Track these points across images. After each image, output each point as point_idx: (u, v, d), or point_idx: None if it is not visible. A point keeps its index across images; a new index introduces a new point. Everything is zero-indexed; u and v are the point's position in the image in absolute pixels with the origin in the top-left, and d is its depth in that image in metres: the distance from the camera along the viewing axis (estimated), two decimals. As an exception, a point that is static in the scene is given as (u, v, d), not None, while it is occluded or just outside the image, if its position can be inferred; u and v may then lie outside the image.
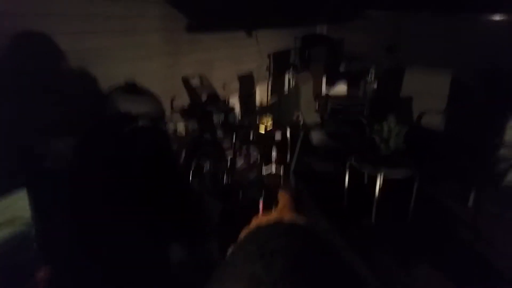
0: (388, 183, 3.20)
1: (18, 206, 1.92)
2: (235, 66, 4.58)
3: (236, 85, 4.61)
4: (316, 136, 3.87)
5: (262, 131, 2.73)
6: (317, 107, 4.37)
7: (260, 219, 0.49)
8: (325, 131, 3.81)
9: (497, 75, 4.96)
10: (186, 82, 3.44)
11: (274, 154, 2.67)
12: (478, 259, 2.87)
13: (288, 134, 3.60)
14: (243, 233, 0.47)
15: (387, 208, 3.31)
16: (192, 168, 3.06)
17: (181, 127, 3.29)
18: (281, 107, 5.83)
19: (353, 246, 2.94)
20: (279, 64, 5.68)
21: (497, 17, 5.34)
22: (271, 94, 5.74)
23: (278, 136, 2.71)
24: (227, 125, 3.55)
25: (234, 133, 3.58)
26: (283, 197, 0.55)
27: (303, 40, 6.14)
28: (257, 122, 2.76)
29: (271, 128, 2.72)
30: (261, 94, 5.51)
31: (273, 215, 0.49)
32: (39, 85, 2.18)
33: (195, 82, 3.50)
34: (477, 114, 4.40)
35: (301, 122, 3.99)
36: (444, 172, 4.02)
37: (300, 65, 6.00)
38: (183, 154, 3.12)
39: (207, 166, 3.29)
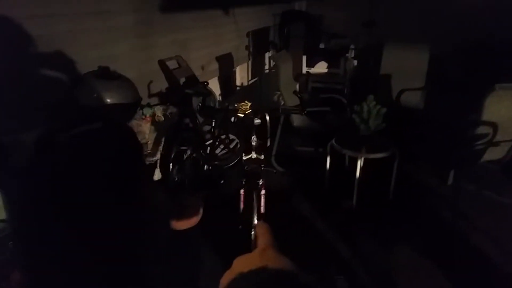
0: (368, 163, 3.22)
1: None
2: (213, 47, 4.46)
3: (215, 66, 4.51)
4: (297, 118, 3.84)
5: (242, 114, 2.68)
6: (297, 87, 4.32)
7: (243, 262, 0.44)
8: (305, 113, 3.78)
9: (476, 51, 4.98)
10: (162, 64, 3.34)
11: (254, 138, 2.63)
12: (458, 236, 2.94)
13: (268, 117, 3.55)
14: (224, 279, 0.42)
15: (368, 188, 3.33)
16: (172, 155, 3.01)
17: (159, 112, 3.21)
18: (261, 88, 5.76)
19: (335, 229, 2.97)
20: (258, 42, 5.58)
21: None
22: (252, 74, 5.66)
23: (258, 119, 2.66)
24: (206, 109, 3.48)
25: (214, 117, 3.51)
26: (261, 230, 0.51)
27: (281, 17, 6.03)
28: (237, 105, 2.70)
29: (250, 110, 2.66)
30: (241, 75, 5.42)
31: (256, 257, 0.44)
32: (5, 74, 2.07)
33: (172, 64, 3.40)
34: (455, 91, 4.43)
35: (282, 103, 3.95)
36: (423, 151, 4.06)
37: (280, 43, 5.92)
38: (163, 141, 3.05)
39: (187, 152, 3.23)
